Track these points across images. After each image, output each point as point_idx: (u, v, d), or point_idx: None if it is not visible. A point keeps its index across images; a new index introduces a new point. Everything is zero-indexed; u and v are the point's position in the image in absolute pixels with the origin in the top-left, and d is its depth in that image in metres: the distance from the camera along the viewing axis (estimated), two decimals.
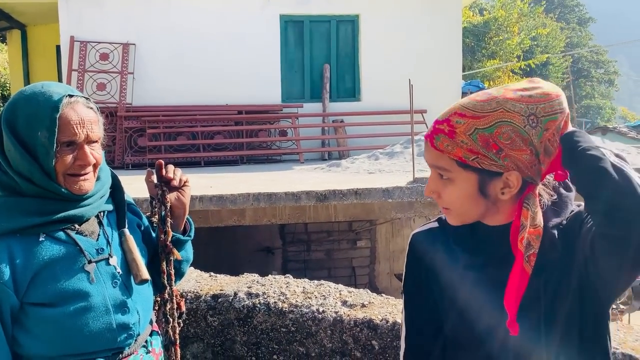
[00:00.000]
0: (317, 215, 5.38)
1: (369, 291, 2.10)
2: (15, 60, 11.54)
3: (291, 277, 2.26)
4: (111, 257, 1.30)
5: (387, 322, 1.84)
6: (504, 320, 1.04)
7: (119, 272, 1.30)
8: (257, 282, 2.22)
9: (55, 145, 1.20)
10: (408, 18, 9.42)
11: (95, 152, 1.26)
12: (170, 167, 1.42)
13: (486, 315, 1.08)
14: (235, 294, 2.13)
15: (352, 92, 9.68)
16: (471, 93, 8.37)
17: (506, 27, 20.11)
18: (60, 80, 9.48)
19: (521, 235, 1.00)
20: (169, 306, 1.44)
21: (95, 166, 1.28)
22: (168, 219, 1.39)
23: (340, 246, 7.99)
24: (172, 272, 1.42)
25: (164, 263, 1.41)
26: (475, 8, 22.10)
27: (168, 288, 1.43)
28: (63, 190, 1.24)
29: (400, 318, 1.92)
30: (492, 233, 1.08)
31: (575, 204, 1.09)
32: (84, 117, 1.24)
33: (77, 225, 1.27)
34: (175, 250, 1.41)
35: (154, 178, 1.40)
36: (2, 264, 1.17)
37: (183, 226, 1.46)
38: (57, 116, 1.20)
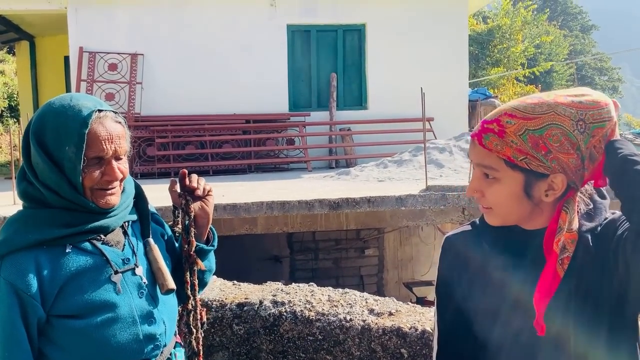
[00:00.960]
0: (328, 224, 5.37)
1: (394, 299, 2.10)
2: (24, 71, 11.63)
3: (315, 285, 2.26)
4: (137, 267, 1.29)
5: (416, 330, 1.84)
6: (532, 322, 1.05)
7: (145, 282, 1.29)
8: (282, 290, 2.21)
9: (82, 160, 1.20)
10: (414, 27, 9.45)
11: (122, 166, 1.26)
12: (194, 176, 1.41)
13: (516, 316, 1.09)
14: (261, 302, 2.13)
15: (359, 100, 9.70)
16: (480, 100, 8.30)
17: (510, 35, 20.15)
18: (68, 90, 9.54)
19: (557, 237, 1.03)
20: (192, 317, 1.42)
21: (121, 180, 1.27)
22: (192, 228, 1.38)
23: (349, 254, 7.97)
24: (196, 282, 1.41)
25: (188, 273, 1.39)
26: (479, 16, 22.18)
27: (192, 298, 1.41)
28: (91, 204, 1.23)
29: (428, 326, 1.92)
30: (529, 236, 1.10)
31: (609, 211, 1.11)
32: (112, 132, 1.23)
33: (102, 236, 1.27)
34: (199, 260, 1.39)
35: (178, 187, 1.38)
36: (29, 276, 1.16)
37: (206, 236, 1.45)
38: (86, 132, 1.19)
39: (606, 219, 1.08)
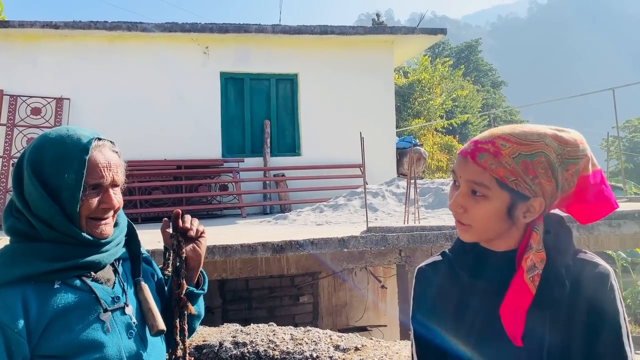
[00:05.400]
0: (268, 268, 5.29)
1: (358, 335, 2.10)
2: None
3: (275, 324, 2.21)
4: (127, 306, 1.26)
5: None
6: (506, 346, 1.09)
7: (134, 322, 1.26)
8: (241, 331, 2.15)
9: (82, 187, 1.19)
10: (344, 77, 9.81)
11: (118, 196, 1.26)
12: (188, 217, 1.40)
13: (490, 340, 1.12)
14: (221, 344, 2.05)
15: (292, 147, 9.82)
16: (411, 147, 8.48)
17: (429, 89, 21.34)
18: None
19: (527, 254, 1.10)
20: None
21: (115, 210, 1.27)
22: (183, 270, 1.35)
23: (283, 302, 7.86)
24: (185, 327, 1.37)
25: (177, 318, 1.35)
26: (399, 71, 23.36)
27: (181, 344, 1.36)
28: (83, 234, 1.21)
29: (396, 359, 1.92)
30: (498, 258, 1.15)
31: (579, 249, 1.16)
32: (111, 160, 1.25)
33: (92, 273, 1.23)
34: (189, 304, 1.36)
35: (170, 228, 1.36)
36: (16, 311, 1.11)
37: (196, 279, 1.42)
38: (87, 158, 1.20)
39: (577, 253, 1.14)
